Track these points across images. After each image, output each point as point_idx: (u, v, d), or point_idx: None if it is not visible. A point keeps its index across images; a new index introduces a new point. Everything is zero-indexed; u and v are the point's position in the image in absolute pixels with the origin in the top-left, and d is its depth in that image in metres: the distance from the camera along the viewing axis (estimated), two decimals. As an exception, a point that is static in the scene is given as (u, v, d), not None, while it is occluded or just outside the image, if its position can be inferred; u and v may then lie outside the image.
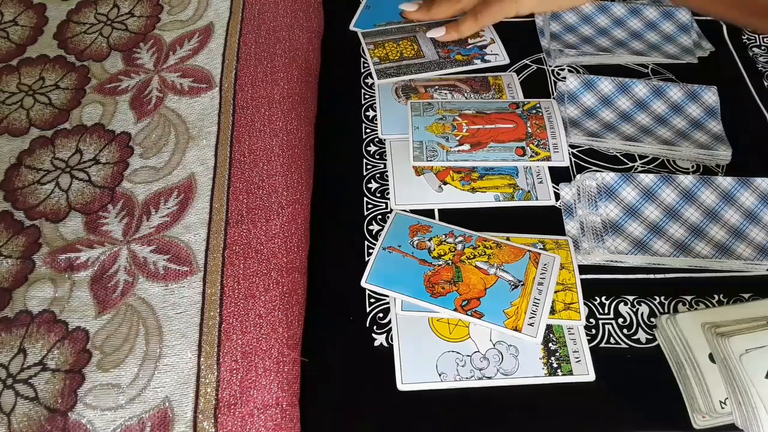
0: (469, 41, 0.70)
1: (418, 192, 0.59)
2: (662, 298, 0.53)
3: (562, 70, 0.69)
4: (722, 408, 0.44)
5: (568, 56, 0.69)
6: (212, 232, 0.53)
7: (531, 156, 0.59)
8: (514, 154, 0.59)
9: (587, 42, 0.70)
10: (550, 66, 0.69)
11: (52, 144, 0.60)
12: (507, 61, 0.69)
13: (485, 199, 0.59)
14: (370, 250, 0.55)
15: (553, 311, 0.50)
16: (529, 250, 0.54)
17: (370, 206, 0.59)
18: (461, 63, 0.68)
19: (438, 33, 0.68)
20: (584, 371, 0.49)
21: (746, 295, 0.53)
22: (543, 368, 0.49)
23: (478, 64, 0.68)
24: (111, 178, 0.58)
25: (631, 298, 0.53)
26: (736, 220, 0.56)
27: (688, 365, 0.47)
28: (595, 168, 0.61)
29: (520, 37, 0.72)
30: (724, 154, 0.61)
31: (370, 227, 0.57)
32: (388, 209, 0.58)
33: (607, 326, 0.52)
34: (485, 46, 0.70)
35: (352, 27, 0.73)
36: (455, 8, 0.68)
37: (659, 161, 0.62)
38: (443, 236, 0.55)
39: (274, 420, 0.45)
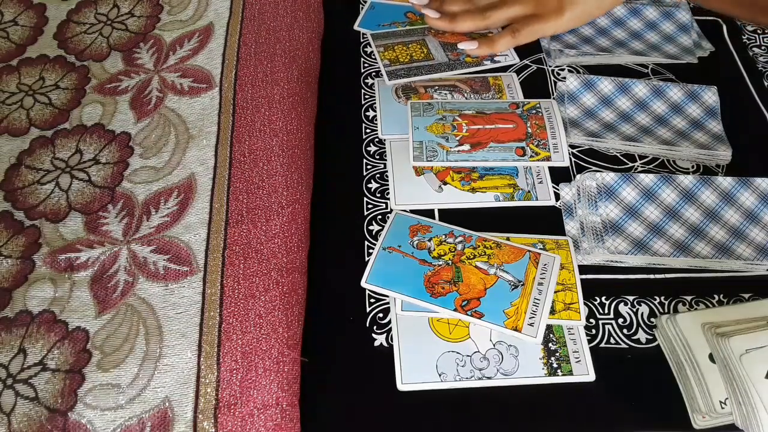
0: None
1: (418, 192, 0.59)
2: (662, 298, 0.53)
3: (562, 70, 0.69)
4: (722, 408, 0.44)
5: (568, 56, 0.69)
6: (212, 232, 0.53)
7: (531, 156, 0.59)
8: (514, 154, 0.59)
9: (587, 42, 0.70)
10: (550, 66, 0.69)
11: (52, 144, 0.60)
12: (517, 61, 0.69)
13: (485, 199, 0.59)
14: (370, 250, 0.55)
15: (553, 311, 0.50)
16: (529, 250, 0.54)
17: (370, 206, 0.59)
18: (472, 65, 0.68)
19: (469, 47, 0.66)
20: (584, 371, 0.49)
21: (746, 295, 0.53)
22: (543, 368, 0.49)
23: (488, 65, 0.68)
24: (111, 178, 0.58)
25: (631, 298, 0.53)
26: (736, 220, 0.56)
27: (688, 365, 0.47)
28: (595, 168, 0.61)
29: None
30: (724, 154, 0.61)
31: (370, 227, 0.57)
32: (388, 209, 0.58)
33: (607, 326, 0.52)
34: None
35: (356, 27, 0.73)
36: (480, 25, 0.67)
37: (659, 161, 0.62)
38: (443, 236, 0.55)
39: (274, 420, 0.45)
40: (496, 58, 0.69)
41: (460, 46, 0.67)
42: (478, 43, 0.67)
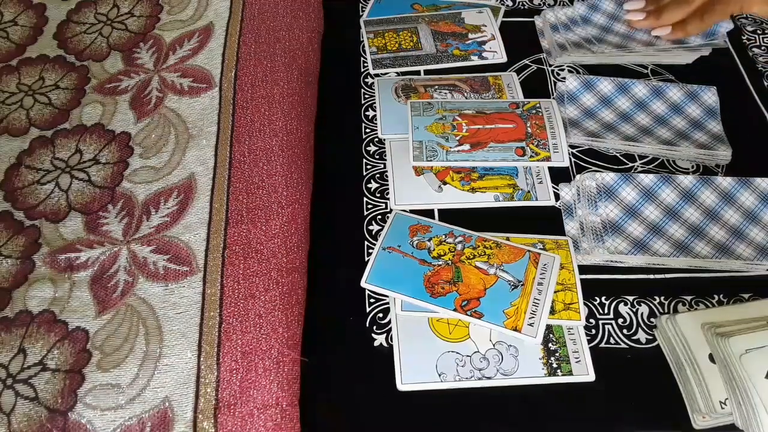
0: (470, 36, 0.70)
1: (418, 192, 0.59)
2: (662, 298, 0.53)
3: (562, 70, 0.69)
4: (722, 408, 0.44)
5: (568, 56, 0.68)
6: (212, 232, 0.53)
7: (531, 156, 0.59)
8: (514, 154, 0.59)
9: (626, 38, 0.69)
10: (550, 66, 0.69)
11: (52, 144, 0.60)
12: (505, 59, 0.69)
13: (485, 199, 0.59)
14: (370, 250, 0.55)
15: (553, 311, 0.50)
16: (528, 250, 0.54)
17: (370, 206, 0.59)
18: (458, 58, 0.67)
19: (663, 32, 0.67)
20: (584, 371, 0.49)
21: (746, 295, 0.53)
22: (543, 368, 0.49)
23: (475, 61, 0.68)
24: (111, 178, 0.58)
25: (631, 298, 0.53)
26: (736, 220, 0.56)
27: (688, 365, 0.47)
28: (594, 168, 0.61)
29: (520, 37, 0.72)
30: (724, 154, 0.61)
31: (370, 227, 0.57)
32: (388, 209, 0.58)
33: (607, 326, 0.52)
34: (485, 42, 0.70)
35: (363, 20, 0.73)
36: (686, 10, 0.66)
37: (659, 161, 0.62)
38: (443, 236, 0.55)
39: (274, 420, 0.45)
40: (484, 54, 0.69)
41: (654, 33, 0.68)
42: (671, 27, 0.67)
